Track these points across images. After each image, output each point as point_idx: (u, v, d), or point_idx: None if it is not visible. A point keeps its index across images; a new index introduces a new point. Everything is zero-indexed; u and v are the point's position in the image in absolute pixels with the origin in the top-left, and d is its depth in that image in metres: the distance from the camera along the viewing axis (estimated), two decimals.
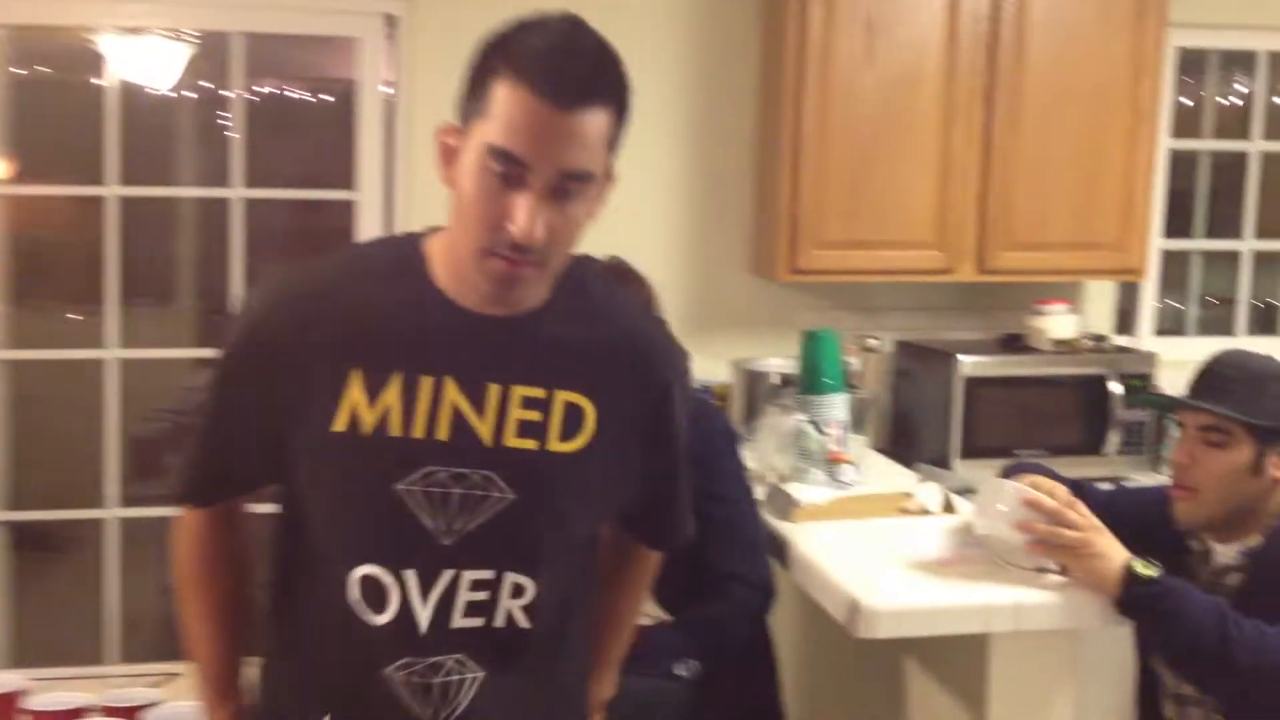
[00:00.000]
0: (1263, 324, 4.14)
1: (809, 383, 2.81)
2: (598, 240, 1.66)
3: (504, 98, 1.33)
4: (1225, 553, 2.19)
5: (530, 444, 1.44)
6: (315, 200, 3.66)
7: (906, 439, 3.66)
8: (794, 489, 2.63)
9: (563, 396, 1.46)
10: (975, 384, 3.42)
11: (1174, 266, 4.08)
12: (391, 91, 3.48)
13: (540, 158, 1.33)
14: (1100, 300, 3.90)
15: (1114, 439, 3.45)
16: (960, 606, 2.07)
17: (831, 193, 3.40)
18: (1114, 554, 2.03)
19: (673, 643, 2.29)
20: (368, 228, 3.48)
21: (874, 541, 2.39)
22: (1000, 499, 2.11)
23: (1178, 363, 3.56)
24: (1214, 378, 2.17)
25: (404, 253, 1.47)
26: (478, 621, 1.44)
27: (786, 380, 3.17)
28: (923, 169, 3.43)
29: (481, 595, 1.44)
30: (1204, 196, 4.15)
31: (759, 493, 2.66)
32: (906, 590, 2.11)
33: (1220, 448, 2.13)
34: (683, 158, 3.66)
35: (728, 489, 2.37)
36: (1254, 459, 2.12)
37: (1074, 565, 2.07)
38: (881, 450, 3.49)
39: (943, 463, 3.42)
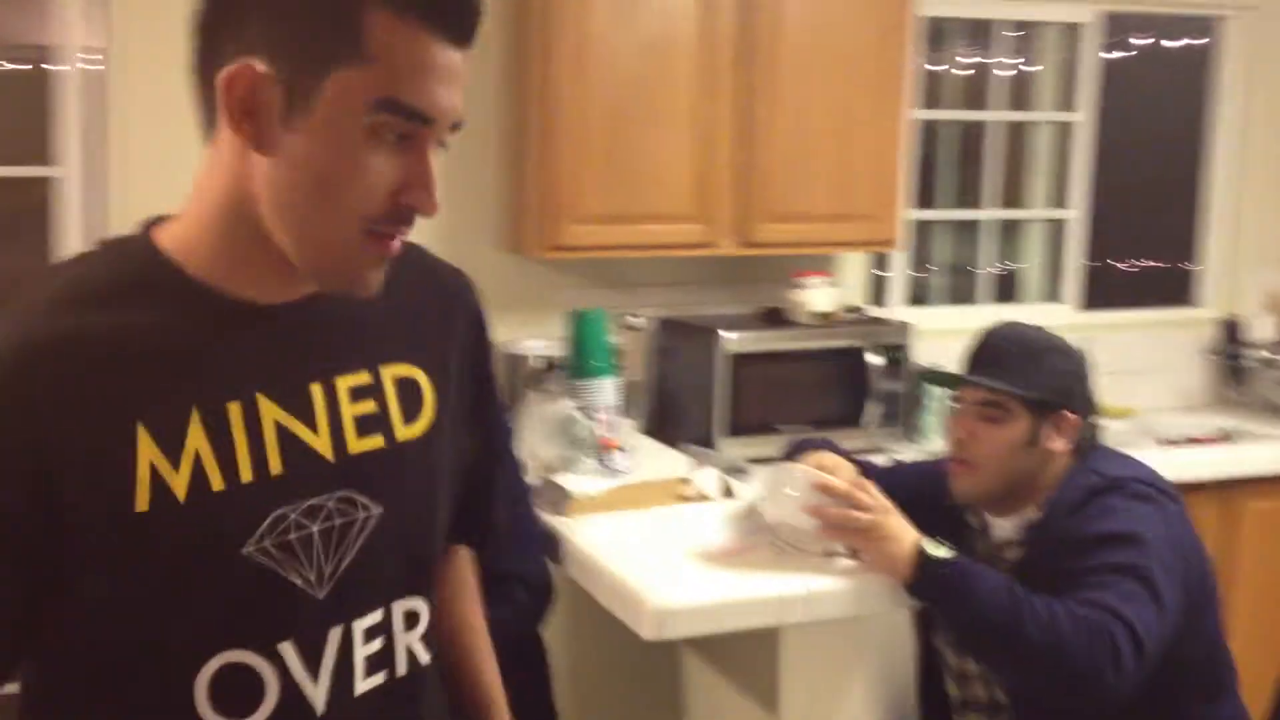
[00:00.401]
0: (1004, 291, 4.24)
1: (577, 366, 2.66)
2: None
3: (389, 35, 1.03)
4: (1003, 527, 2.17)
5: (376, 441, 1.17)
6: (6, 178, 3.25)
7: (671, 420, 3.57)
8: (566, 480, 2.48)
9: (390, 372, 1.20)
10: (738, 360, 3.35)
11: (919, 236, 4.13)
12: (99, 58, 3.12)
13: (443, 110, 1.08)
14: (855, 271, 3.91)
15: (872, 410, 3.45)
16: (752, 600, 1.97)
17: (588, 164, 3.25)
18: (905, 535, 1.97)
19: None
20: (71, 208, 3.12)
21: (655, 533, 2.26)
22: (788, 483, 2.02)
23: (929, 332, 3.61)
24: (990, 352, 2.14)
25: (134, 259, 1.12)
26: (380, 678, 1.18)
27: (549, 364, 3.01)
28: (681, 139, 3.33)
29: (377, 644, 1.17)
30: (948, 166, 4.22)
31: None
32: (695, 585, 2.00)
33: (997, 423, 2.10)
34: None
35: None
36: (1030, 432, 2.10)
37: (865, 548, 2.00)
38: (647, 433, 3.38)
39: (708, 442, 3.34)
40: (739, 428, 3.35)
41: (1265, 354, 3.98)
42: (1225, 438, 3.79)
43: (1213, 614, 2.08)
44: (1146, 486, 2.02)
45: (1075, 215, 4.18)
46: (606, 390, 2.67)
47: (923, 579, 1.96)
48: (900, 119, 3.55)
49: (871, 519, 1.98)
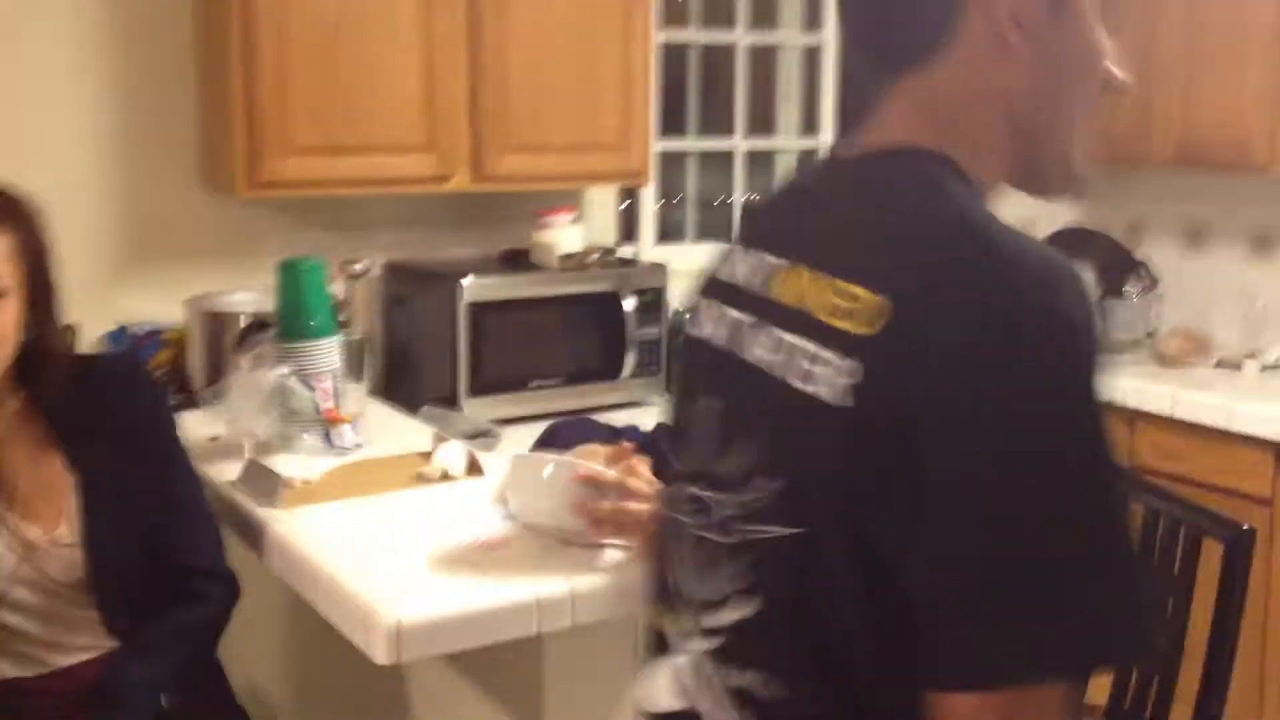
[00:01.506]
0: None
1: (291, 326, 2.26)
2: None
3: None
4: None
5: None
6: None
7: (408, 380, 3.19)
8: (280, 463, 2.09)
9: None
10: (480, 309, 3.00)
11: (667, 168, 3.85)
12: None
13: None
14: (602, 208, 3.60)
15: (630, 361, 3.16)
16: (509, 607, 1.65)
17: (296, 87, 2.82)
18: None
19: (147, 674, 1.83)
20: None
21: (390, 525, 1.91)
22: (549, 479, 1.72)
23: (683, 272, 3.35)
24: None
25: (976, 196, 1.08)
26: None
27: (260, 322, 2.58)
28: (405, 57, 2.93)
29: None
30: (695, 92, 3.95)
31: (232, 470, 2.12)
32: (439, 593, 1.66)
33: None
34: (105, 44, 2.92)
35: (175, 460, 1.95)
36: None
37: (640, 540, 1.70)
38: (380, 396, 3.00)
39: (451, 402, 2.98)
40: (485, 385, 3.01)
41: None
42: None
43: None
44: None
45: (825, 142, 3.99)
46: (328, 351, 2.27)
47: None
48: (647, 40, 3.26)
49: (645, 509, 1.68)
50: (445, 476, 2.08)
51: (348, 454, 2.24)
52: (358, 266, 3.07)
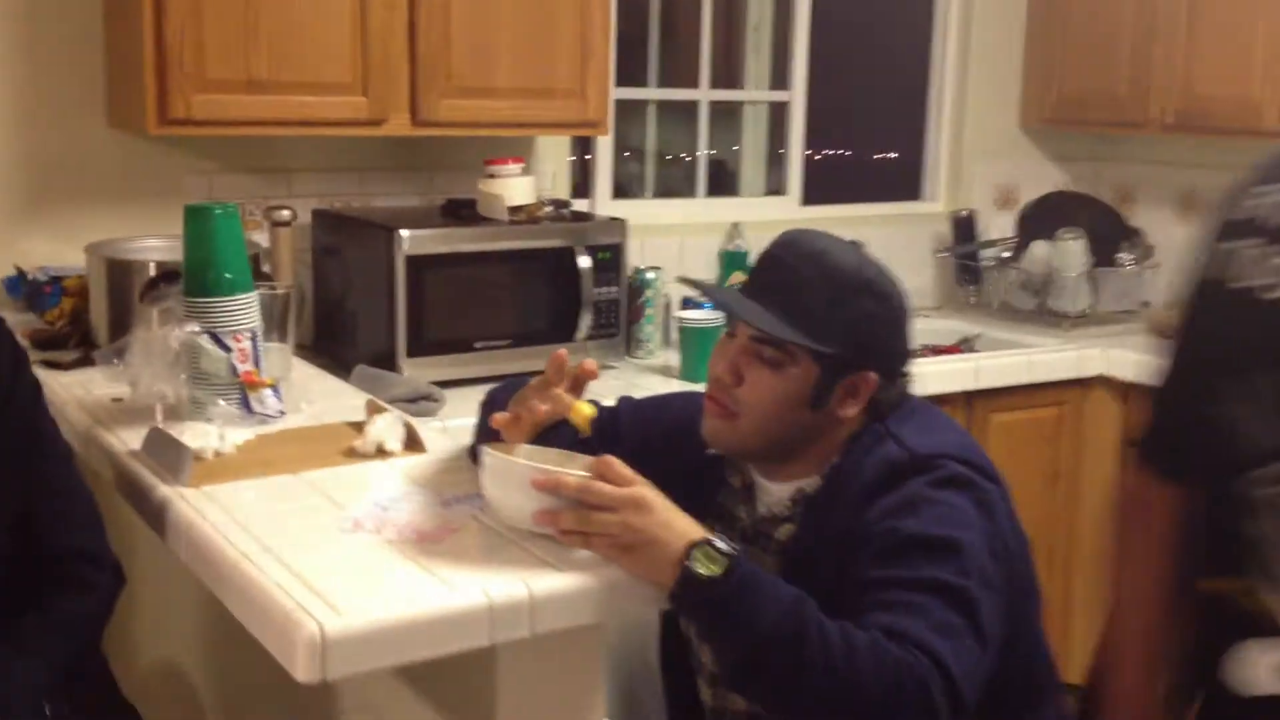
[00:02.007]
0: (720, 183, 3.75)
1: (202, 279, 1.95)
2: None
3: None
4: (771, 493, 1.66)
5: None
6: None
7: (340, 339, 2.89)
8: (187, 433, 1.79)
9: None
10: (420, 263, 2.71)
11: (623, 119, 3.56)
12: None
13: None
14: (554, 159, 3.31)
15: (586, 321, 2.89)
16: (456, 614, 1.36)
17: (212, 16, 2.52)
18: (668, 538, 1.41)
19: (30, 675, 1.62)
20: None
21: (315, 509, 1.62)
22: (500, 481, 1.47)
23: (638, 228, 3.06)
24: (785, 277, 1.57)
25: None
26: None
27: (171, 272, 2.27)
28: None
29: None
30: (656, 39, 3.66)
31: (136, 438, 1.83)
32: (375, 595, 1.37)
33: (775, 368, 1.57)
34: None
35: (41, 433, 1.71)
36: (815, 389, 1.57)
37: (616, 559, 1.43)
38: (306, 355, 2.70)
39: (388, 363, 2.70)
40: (425, 345, 2.73)
41: (999, 253, 3.66)
42: (966, 346, 3.44)
43: (1033, 613, 1.61)
44: (962, 467, 1.51)
45: (796, 98, 3.72)
46: (245, 307, 1.97)
47: (687, 599, 1.41)
48: None
49: (617, 520, 1.41)
50: (381, 452, 1.80)
51: (269, 422, 1.95)
52: (284, 213, 2.76)
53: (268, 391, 1.97)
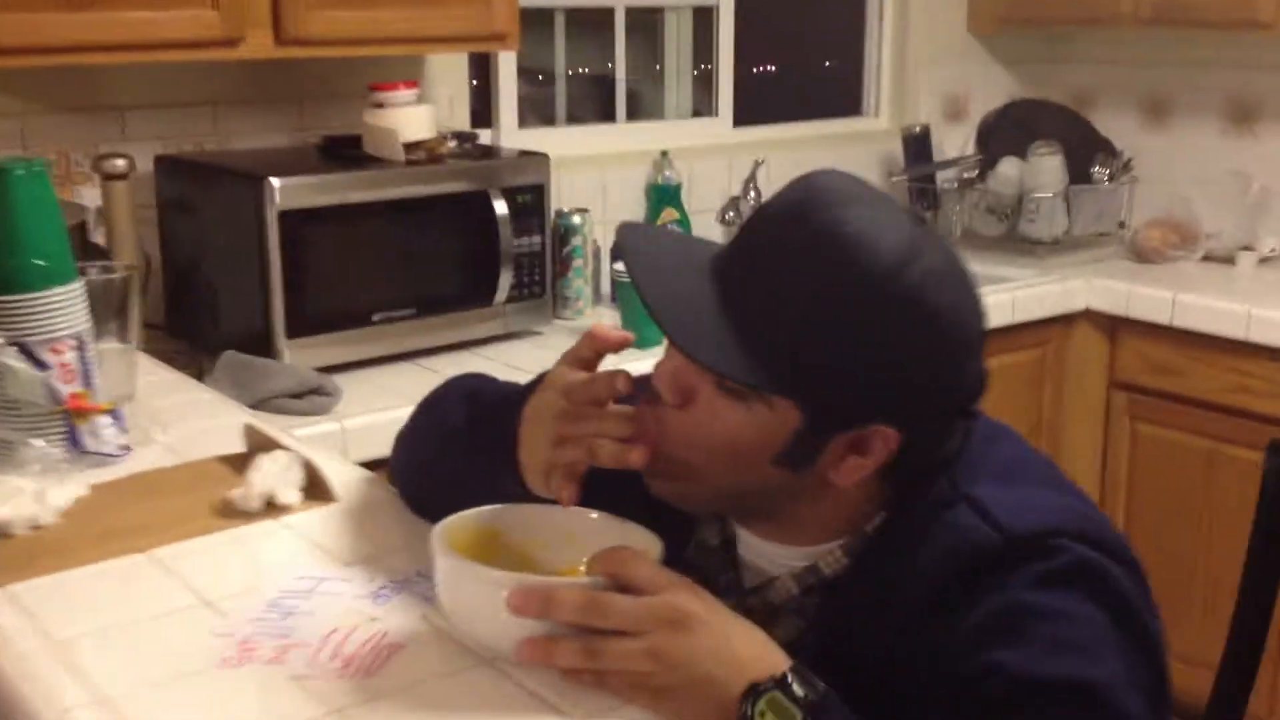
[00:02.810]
0: (640, 105, 3.23)
1: (1, 269, 1.41)
2: None
3: None
4: (766, 561, 1.13)
5: None
6: None
7: (196, 315, 2.34)
8: None
9: None
10: (297, 219, 2.16)
11: (528, 33, 3.01)
12: None
13: None
14: (450, 82, 2.76)
15: (505, 280, 2.38)
16: None
17: None
18: (720, 675, 0.92)
19: None
20: None
21: (177, 618, 1.10)
22: (477, 594, 0.96)
23: (554, 163, 2.54)
24: (772, 267, 1.00)
25: None
26: None
27: None
28: None
29: None
30: None
31: None
32: None
33: (739, 400, 1.01)
34: None
35: None
36: (793, 444, 1.02)
37: (645, 703, 0.94)
38: (156, 340, 2.16)
39: (263, 347, 2.16)
40: (310, 322, 2.20)
41: (959, 173, 3.23)
42: None
43: None
44: (1084, 548, 0.98)
45: (724, 3, 3.21)
46: (66, 304, 1.43)
47: None
48: None
49: (645, 649, 0.92)
50: (271, 507, 1.28)
51: (108, 464, 1.42)
52: (118, 163, 2.19)
53: (104, 420, 1.44)
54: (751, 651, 0.93)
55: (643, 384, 1.06)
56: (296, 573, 1.16)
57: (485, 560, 0.99)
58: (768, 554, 1.11)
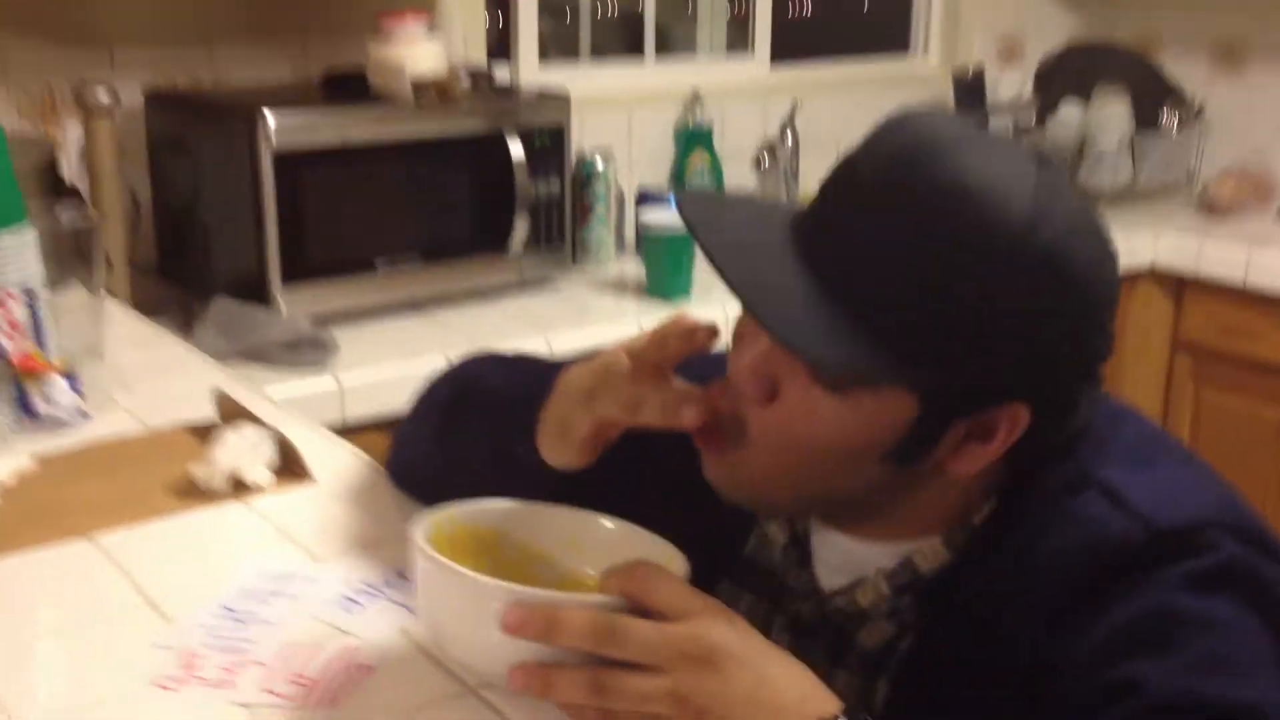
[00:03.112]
0: (668, 41, 3.03)
1: None
2: None
3: None
4: (849, 558, 0.94)
5: None
6: None
7: (189, 259, 2.17)
8: None
9: None
10: (295, 159, 1.98)
11: None
12: None
13: None
14: (464, 15, 2.56)
15: (522, 227, 2.19)
16: None
17: None
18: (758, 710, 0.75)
19: None
20: None
21: (118, 622, 0.94)
22: (453, 603, 0.78)
23: (576, 104, 2.35)
24: (872, 228, 0.81)
25: None
26: None
27: None
28: None
29: None
30: None
31: None
32: None
33: (837, 391, 0.83)
34: None
35: None
36: (908, 436, 0.85)
37: None
38: (147, 284, 1.99)
39: (257, 293, 1.99)
40: (308, 268, 2.03)
41: (1015, 118, 3.01)
42: None
43: None
44: (1237, 544, 0.82)
45: None
46: (17, 250, 1.25)
47: None
48: None
49: (667, 689, 0.74)
50: (239, 487, 1.11)
51: (62, 430, 1.25)
52: (99, 93, 2.01)
53: (58, 382, 1.27)
54: (796, 693, 0.75)
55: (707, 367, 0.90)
56: (259, 568, 0.99)
57: (476, 565, 0.81)
58: (853, 552, 0.94)
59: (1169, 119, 2.87)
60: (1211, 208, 2.74)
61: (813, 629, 0.95)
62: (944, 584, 0.89)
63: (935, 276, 0.79)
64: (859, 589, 0.92)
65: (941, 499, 0.90)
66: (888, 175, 0.81)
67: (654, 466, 0.96)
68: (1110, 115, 2.77)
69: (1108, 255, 0.84)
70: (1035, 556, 0.85)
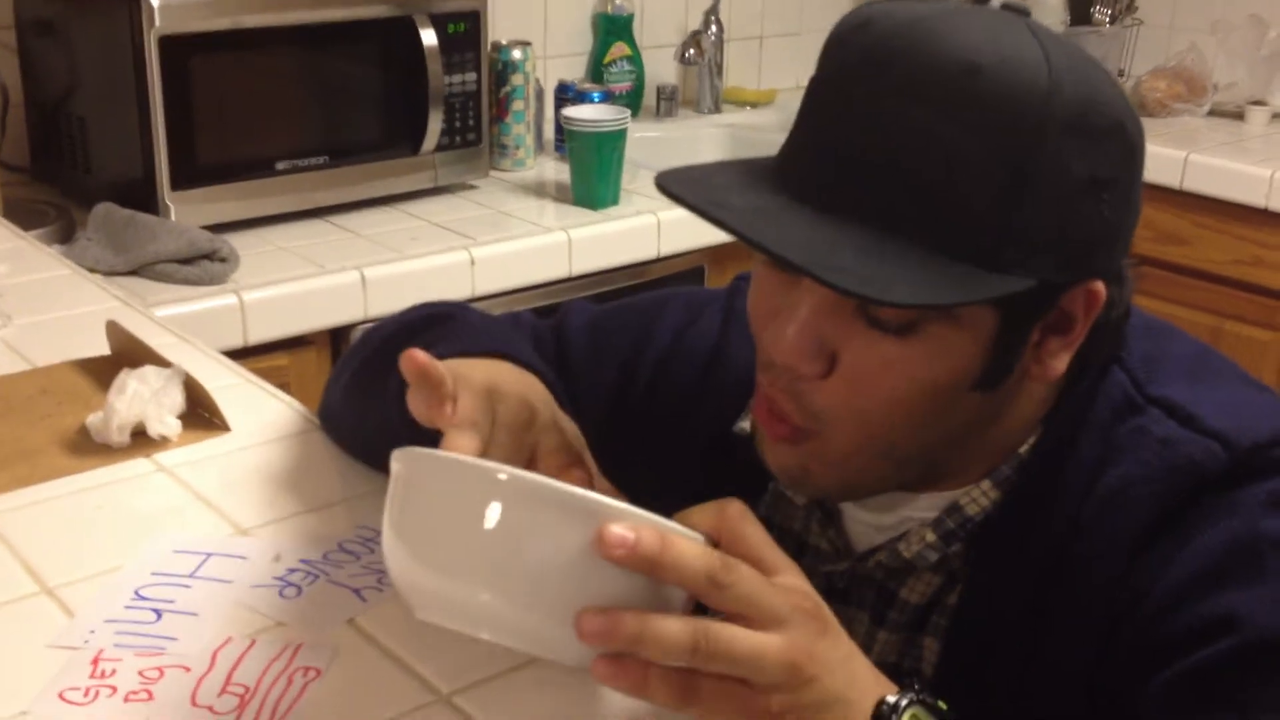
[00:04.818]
0: None
1: None
2: None
3: None
4: (906, 519, 0.84)
5: None
6: None
7: (67, 158, 1.96)
8: None
9: None
10: (183, 46, 1.78)
11: None
12: None
13: None
14: None
15: (435, 125, 2.02)
16: None
17: None
18: (845, 696, 0.64)
19: None
20: None
21: (11, 620, 0.79)
22: (511, 528, 0.58)
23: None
24: (896, 139, 0.71)
25: None
26: None
27: None
28: None
29: None
30: None
31: None
32: None
33: (904, 334, 0.73)
34: None
35: None
36: (993, 354, 0.75)
37: None
38: (17, 183, 1.79)
39: (145, 200, 1.81)
40: (201, 171, 1.85)
41: None
42: None
43: None
44: None
45: None
46: None
47: None
48: None
49: (782, 645, 0.61)
50: (141, 440, 0.96)
51: None
52: None
53: None
54: (872, 672, 0.67)
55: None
56: (173, 543, 0.85)
57: None
58: (891, 508, 0.84)
59: (1101, 12, 2.77)
60: (1143, 106, 2.66)
61: (845, 593, 0.86)
62: (997, 525, 0.81)
63: (990, 168, 0.70)
64: (901, 543, 0.83)
65: (996, 439, 0.81)
66: (887, 78, 0.71)
67: (665, 427, 0.85)
68: (1045, 11, 2.66)
69: (1119, 92, 0.76)
70: (1095, 484, 0.77)
